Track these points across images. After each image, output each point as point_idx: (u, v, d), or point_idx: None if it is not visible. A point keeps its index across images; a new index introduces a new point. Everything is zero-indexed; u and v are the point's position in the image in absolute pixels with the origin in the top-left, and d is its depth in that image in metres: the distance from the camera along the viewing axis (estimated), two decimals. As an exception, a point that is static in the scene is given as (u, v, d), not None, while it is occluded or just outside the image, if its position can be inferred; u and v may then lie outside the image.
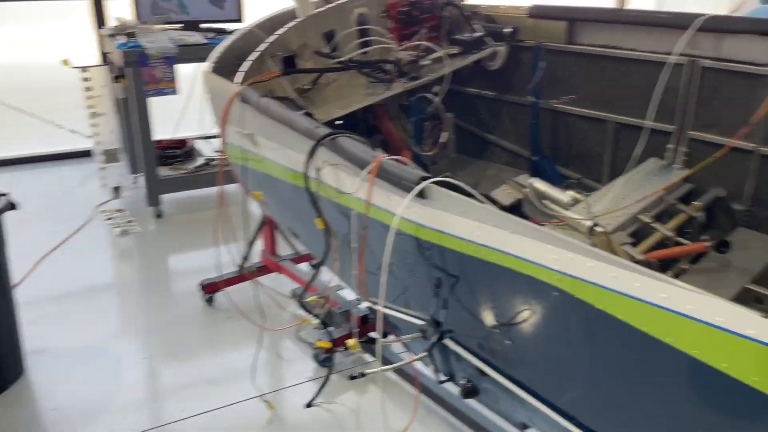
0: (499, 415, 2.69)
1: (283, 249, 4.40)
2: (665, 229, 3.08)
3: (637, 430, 2.01)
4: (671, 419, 1.84)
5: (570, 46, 3.70)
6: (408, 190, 2.14)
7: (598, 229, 2.89)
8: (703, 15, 3.19)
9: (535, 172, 3.82)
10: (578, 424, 2.18)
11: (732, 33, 3.13)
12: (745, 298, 2.86)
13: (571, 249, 1.76)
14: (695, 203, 3.24)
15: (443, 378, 2.70)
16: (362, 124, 3.88)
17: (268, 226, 4.28)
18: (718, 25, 3.17)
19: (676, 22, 3.26)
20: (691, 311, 1.50)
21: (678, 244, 3.06)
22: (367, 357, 3.56)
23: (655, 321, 1.60)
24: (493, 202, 3.32)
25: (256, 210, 4.41)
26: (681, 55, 3.22)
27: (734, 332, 1.42)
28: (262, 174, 3.31)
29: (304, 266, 4.36)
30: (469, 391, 2.58)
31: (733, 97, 3.17)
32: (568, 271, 1.76)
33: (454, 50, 3.80)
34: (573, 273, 1.75)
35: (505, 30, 3.85)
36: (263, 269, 4.38)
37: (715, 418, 1.70)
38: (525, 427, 2.58)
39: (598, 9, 3.74)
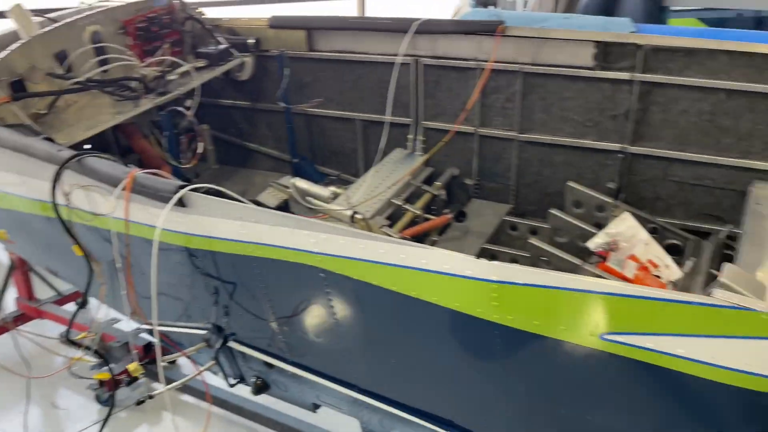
0: (291, 402, 2.82)
1: (43, 292, 4.02)
2: (415, 209, 3.50)
3: (410, 381, 2.29)
4: (432, 363, 2.14)
5: (311, 53, 3.97)
6: (167, 201, 2.16)
7: (358, 216, 3.18)
8: (418, 19, 3.65)
9: (298, 174, 4.02)
10: (362, 391, 2.40)
11: (443, 34, 3.65)
12: (483, 256, 3.36)
13: (325, 231, 1.95)
14: (436, 183, 3.71)
15: (233, 381, 2.75)
16: (114, 145, 3.72)
17: (19, 268, 3.88)
18: (431, 28, 3.66)
19: (398, 27, 3.68)
20: (424, 265, 1.78)
21: (427, 220, 3.50)
22: (158, 386, 3.43)
23: (401, 280, 1.86)
24: (261, 205, 3.44)
25: (3, 254, 3.97)
26: (405, 55, 3.65)
27: (456, 275, 1.73)
28: (2, 210, 3.01)
29: (71, 306, 4.04)
30: (260, 387, 2.67)
31: (452, 88, 3.69)
32: (325, 251, 1.95)
33: (201, 63, 3.83)
34: (329, 252, 1.95)
35: (248, 41, 3.98)
36: (22, 317, 3.96)
37: (463, 352, 2.02)
38: (316, 406, 2.74)
39: (333, 18, 4.04)
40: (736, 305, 1.44)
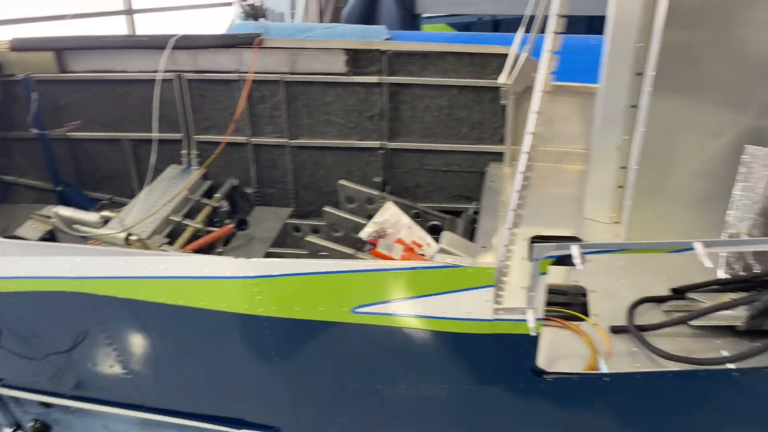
0: (78, 438, 2.69)
1: None
2: (195, 223, 3.50)
3: (196, 389, 2.32)
4: (215, 367, 2.20)
5: (63, 74, 3.75)
6: None
7: (133, 237, 3.11)
8: (175, 35, 3.65)
9: (64, 202, 3.77)
10: (151, 410, 2.38)
11: (202, 48, 3.69)
12: (268, 260, 3.49)
13: (81, 254, 1.92)
14: (216, 195, 3.75)
15: (9, 430, 2.55)
16: None
17: None
18: (190, 43, 3.68)
19: (156, 43, 3.64)
20: (185, 272, 1.85)
21: (209, 233, 3.53)
22: None
23: (166, 291, 1.90)
24: (22, 240, 3.19)
25: None
26: (167, 71, 3.63)
27: (217, 277, 1.82)
28: None
29: None
30: (40, 430, 2.51)
31: (218, 100, 3.75)
32: (83, 274, 1.92)
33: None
34: (88, 274, 1.92)
35: (-14, 66, 3.66)
36: None
37: (241, 350, 2.11)
38: (106, 436, 2.65)
39: (84, 37, 3.85)
40: (450, 264, 1.72)
